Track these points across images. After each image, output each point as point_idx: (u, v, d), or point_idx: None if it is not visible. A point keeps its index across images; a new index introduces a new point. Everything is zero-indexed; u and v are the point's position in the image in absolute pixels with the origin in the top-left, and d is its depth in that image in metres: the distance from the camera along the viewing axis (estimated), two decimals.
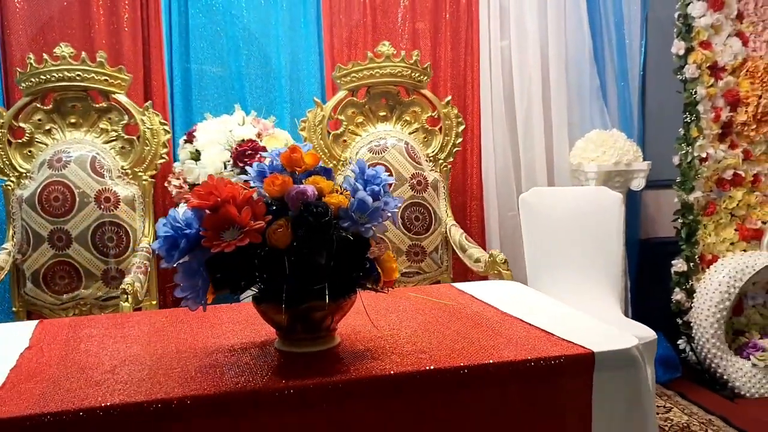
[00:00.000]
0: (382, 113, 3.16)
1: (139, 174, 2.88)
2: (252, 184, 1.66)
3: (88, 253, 2.78)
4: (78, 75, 2.81)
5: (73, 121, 2.89)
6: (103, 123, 2.89)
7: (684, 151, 3.62)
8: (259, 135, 2.91)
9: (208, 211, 1.49)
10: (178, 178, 2.92)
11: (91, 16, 3.10)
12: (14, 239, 2.83)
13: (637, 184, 3.62)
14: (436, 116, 3.19)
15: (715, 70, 3.57)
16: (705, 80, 3.56)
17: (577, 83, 3.69)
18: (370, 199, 1.58)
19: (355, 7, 3.40)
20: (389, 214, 1.62)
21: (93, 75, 2.82)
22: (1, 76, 3.02)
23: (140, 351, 1.66)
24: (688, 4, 3.55)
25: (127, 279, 2.46)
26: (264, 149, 2.85)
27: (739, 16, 3.58)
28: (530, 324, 1.75)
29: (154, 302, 2.58)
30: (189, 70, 3.22)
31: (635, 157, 3.58)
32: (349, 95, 3.10)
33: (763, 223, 3.73)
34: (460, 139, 3.22)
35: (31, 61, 2.80)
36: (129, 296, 2.39)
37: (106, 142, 2.89)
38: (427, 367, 1.48)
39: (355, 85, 3.08)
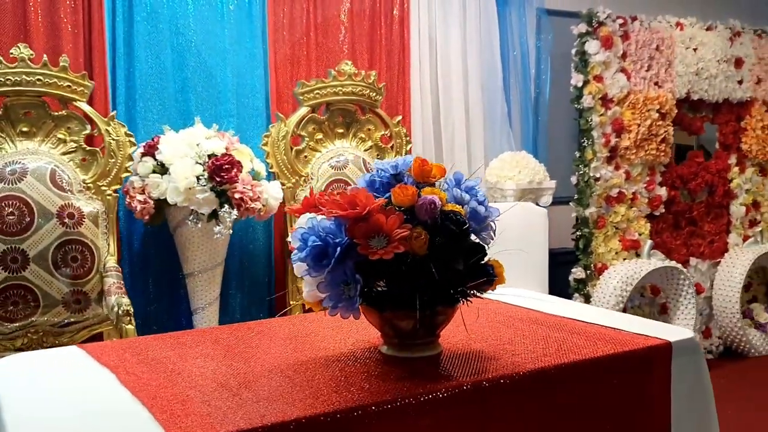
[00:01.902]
0: (340, 130, 3.22)
1: (103, 188, 2.67)
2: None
3: (47, 274, 2.52)
4: (38, 79, 2.55)
5: (25, 129, 2.61)
6: (60, 133, 2.64)
7: (581, 172, 4.07)
8: (226, 149, 2.83)
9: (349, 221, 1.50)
10: (142, 193, 2.75)
11: (27, 17, 2.82)
12: None
13: (546, 200, 3.99)
14: (388, 134, 3.31)
15: (605, 101, 4.07)
16: (598, 109, 4.04)
17: (490, 109, 4.00)
18: (482, 209, 1.68)
19: (297, 25, 3.42)
20: (492, 223, 1.73)
21: (55, 80, 2.57)
22: None
23: (249, 367, 1.60)
24: (585, 42, 4.01)
25: (123, 301, 2.28)
26: (239, 163, 2.79)
27: (624, 55, 4.12)
28: (593, 323, 1.93)
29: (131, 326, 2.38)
30: (133, 79, 3.04)
31: (544, 177, 3.95)
32: (310, 111, 3.12)
33: (639, 234, 4.29)
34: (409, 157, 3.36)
35: None
36: (131, 318, 2.24)
37: (65, 154, 2.65)
38: (538, 366, 1.58)
39: (318, 101, 3.12)
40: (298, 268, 1.56)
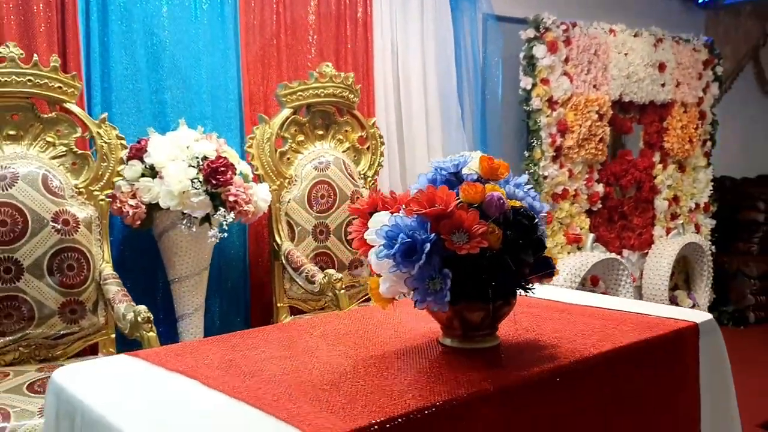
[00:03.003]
0: (320, 132, 3.24)
1: (95, 193, 2.56)
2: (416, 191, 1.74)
3: (42, 284, 2.40)
4: (29, 80, 2.42)
5: (11, 133, 2.47)
6: (49, 136, 2.52)
7: (532, 170, 4.27)
8: (216, 152, 2.80)
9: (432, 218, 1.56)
10: (133, 197, 2.67)
11: None
12: None
13: None
14: (365, 136, 3.36)
15: (551, 103, 4.30)
16: (545, 111, 4.26)
17: (445, 111, 4.12)
18: (537, 204, 1.78)
19: (268, 27, 3.41)
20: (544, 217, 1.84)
21: (46, 81, 2.45)
22: None
23: (322, 365, 1.61)
24: (533, 47, 4.22)
25: (141, 308, 2.22)
26: (233, 166, 2.76)
27: (566, 59, 4.36)
28: (620, 310, 2.07)
29: (153, 334, 2.29)
30: (109, 80, 2.94)
31: None
32: (292, 113, 3.12)
33: (581, 228, 4.55)
34: (382, 158, 3.43)
35: None
36: (152, 325, 2.18)
37: (54, 158, 2.53)
38: (594, 353, 1.69)
39: (300, 103, 3.12)
40: (379, 264, 1.60)
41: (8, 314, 2.37)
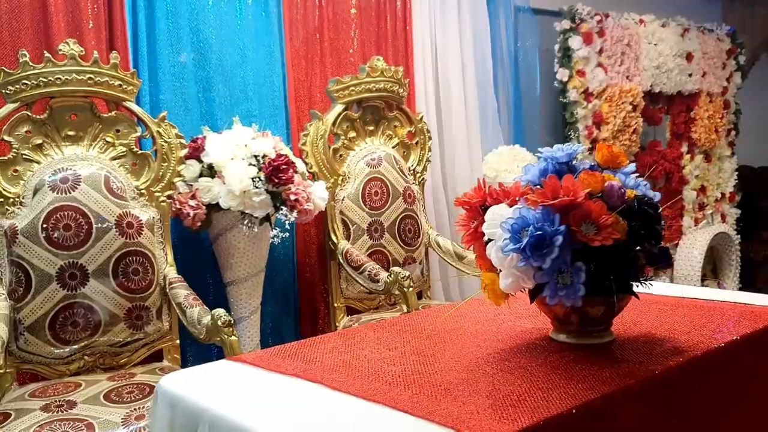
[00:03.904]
0: (370, 128, 3.17)
1: (156, 194, 2.48)
2: (526, 183, 1.68)
3: (108, 290, 2.31)
4: (89, 78, 2.33)
5: (70, 133, 2.38)
6: (108, 136, 2.43)
7: None
8: (274, 149, 2.72)
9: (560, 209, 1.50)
10: (193, 198, 2.58)
11: (47, 12, 2.58)
12: (3, 282, 2.24)
13: None
14: (413, 131, 3.29)
15: (587, 94, 4.25)
16: (581, 103, 4.21)
17: (482, 104, 4.07)
18: (651, 193, 1.72)
19: (310, 22, 3.34)
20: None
21: (106, 79, 2.36)
22: None
23: (441, 363, 1.55)
24: (568, 38, 4.17)
25: (221, 311, 2.14)
26: (294, 164, 2.68)
27: (600, 51, 4.31)
28: (719, 300, 2.02)
29: (234, 338, 2.19)
30: (156, 79, 2.85)
31: None
32: (344, 109, 3.05)
33: None
34: (430, 153, 3.36)
35: (26, 60, 2.26)
36: (233, 329, 2.11)
37: (114, 159, 2.44)
38: (713, 346, 1.64)
39: (352, 99, 3.05)
40: (502, 258, 1.53)
41: (74, 322, 2.28)
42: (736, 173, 5.45)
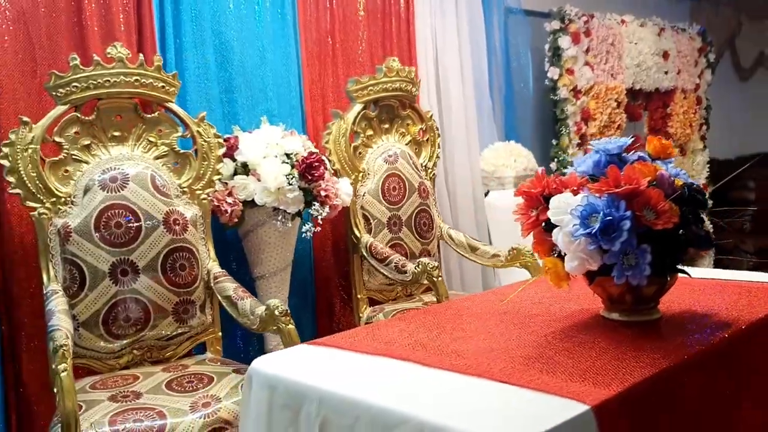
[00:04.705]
0: (386, 126, 3.30)
1: (197, 192, 2.56)
2: (582, 173, 1.84)
3: (158, 285, 2.39)
4: (136, 80, 2.40)
5: (116, 134, 2.45)
6: (151, 136, 2.50)
7: (561, 158, 4.41)
8: (303, 147, 2.83)
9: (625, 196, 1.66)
10: (230, 195, 2.67)
11: (82, 17, 2.64)
12: (57, 279, 2.30)
13: None
14: (424, 128, 3.43)
15: (575, 92, 4.45)
16: (571, 100, 4.41)
17: (478, 102, 4.23)
18: (691, 182, 1.89)
19: (322, 23, 3.45)
20: None
21: (151, 81, 2.44)
22: None
23: (516, 337, 1.69)
24: (558, 38, 4.36)
25: (276, 301, 2.23)
26: (324, 161, 2.79)
27: (587, 50, 4.52)
28: (742, 281, 2.20)
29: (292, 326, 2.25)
30: (184, 80, 2.92)
31: (534, 164, 4.25)
32: (363, 108, 3.17)
33: None
34: (439, 149, 3.50)
35: (77, 63, 2.32)
36: (290, 317, 2.21)
37: (158, 158, 2.51)
38: (754, 318, 1.81)
39: (370, 98, 3.17)
40: (569, 242, 1.68)
41: (126, 317, 2.36)
42: (708, 165, 5.73)
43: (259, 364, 1.65)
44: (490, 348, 1.64)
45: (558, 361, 1.51)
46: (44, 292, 2.27)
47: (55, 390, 2.26)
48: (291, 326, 2.19)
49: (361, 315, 3.10)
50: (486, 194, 4.13)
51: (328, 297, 3.43)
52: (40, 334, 2.50)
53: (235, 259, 3.01)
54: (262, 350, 3.04)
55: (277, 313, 2.20)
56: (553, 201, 1.75)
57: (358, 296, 3.12)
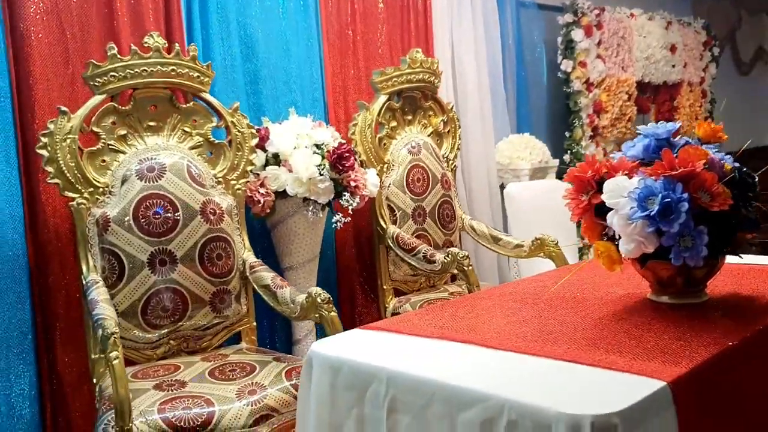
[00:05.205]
0: (409, 117, 3.31)
1: (232, 182, 2.56)
2: (632, 157, 1.86)
3: (195, 275, 2.39)
4: (173, 70, 2.40)
5: (151, 124, 2.45)
6: (186, 126, 2.50)
7: (575, 150, 4.44)
8: (332, 138, 2.84)
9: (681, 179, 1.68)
10: (262, 186, 2.68)
11: (113, 8, 2.64)
12: (96, 269, 2.29)
13: (550, 178, 4.32)
14: (445, 120, 3.45)
15: (588, 84, 4.48)
16: (584, 92, 4.44)
17: (493, 95, 4.25)
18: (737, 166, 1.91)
19: (343, 17, 3.45)
20: None
21: (187, 71, 2.43)
22: (9, 69, 2.40)
23: (569, 319, 1.71)
24: (571, 31, 4.39)
25: (317, 288, 2.24)
26: (354, 152, 2.80)
27: (599, 43, 4.55)
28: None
29: (334, 314, 2.26)
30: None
31: (549, 156, 4.28)
32: (387, 99, 3.18)
33: None
34: (460, 141, 3.52)
35: (115, 53, 2.31)
36: (332, 305, 2.22)
37: (193, 148, 2.51)
38: None
39: (394, 89, 3.18)
40: (626, 225, 1.69)
41: (164, 306, 2.36)
42: None
43: (320, 347, 1.66)
44: (549, 331, 1.65)
45: (621, 341, 1.53)
46: (84, 282, 2.27)
47: (94, 380, 2.28)
48: (333, 313, 2.20)
49: (387, 305, 3.11)
50: (501, 186, 4.15)
51: (350, 287, 3.44)
52: (74, 325, 2.50)
53: (262, 250, 3.01)
54: (289, 340, 3.05)
55: (319, 300, 2.21)
56: (608, 184, 1.76)
57: (384, 287, 3.14)
